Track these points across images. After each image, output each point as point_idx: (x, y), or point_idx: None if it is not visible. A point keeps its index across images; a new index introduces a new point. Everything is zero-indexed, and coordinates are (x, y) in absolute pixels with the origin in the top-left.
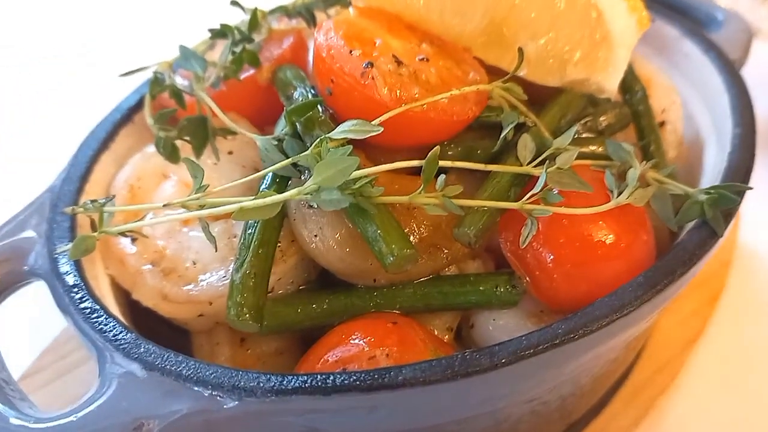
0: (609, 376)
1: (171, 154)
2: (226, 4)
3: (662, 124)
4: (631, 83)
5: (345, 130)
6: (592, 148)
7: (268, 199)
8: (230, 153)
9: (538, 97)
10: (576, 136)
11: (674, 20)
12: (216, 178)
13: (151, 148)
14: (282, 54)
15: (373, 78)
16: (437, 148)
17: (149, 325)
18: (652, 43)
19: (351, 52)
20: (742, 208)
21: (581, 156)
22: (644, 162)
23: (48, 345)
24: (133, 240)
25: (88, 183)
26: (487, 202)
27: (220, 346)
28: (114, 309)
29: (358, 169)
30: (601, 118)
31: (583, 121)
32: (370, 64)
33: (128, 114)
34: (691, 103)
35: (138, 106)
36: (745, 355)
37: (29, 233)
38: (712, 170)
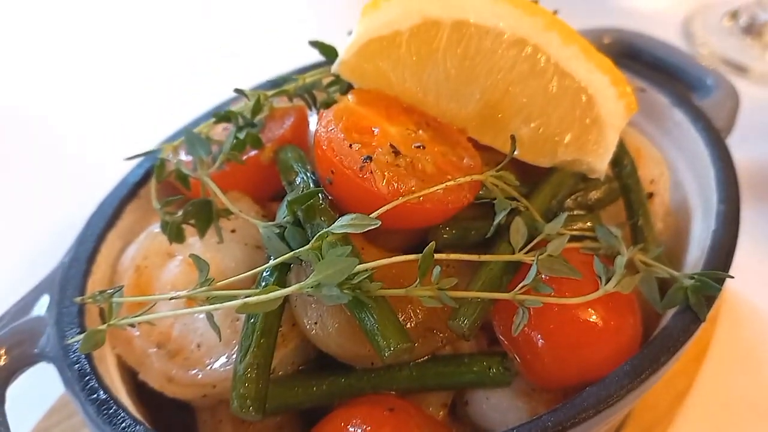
0: None
1: (176, 236)
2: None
3: (651, 195)
4: (620, 157)
5: (344, 224)
6: (582, 225)
7: (271, 294)
8: (233, 231)
9: (531, 172)
10: (567, 214)
11: (664, 87)
12: (220, 257)
13: (157, 228)
14: (283, 134)
15: (371, 172)
16: (432, 243)
17: (155, 398)
18: (644, 109)
19: (350, 145)
20: None
21: (571, 237)
22: (632, 246)
23: (54, 403)
24: (140, 323)
25: (95, 264)
26: (481, 293)
27: (223, 423)
28: (120, 387)
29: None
30: (592, 194)
31: (573, 197)
32: (369, 158)
33: (134, 189)
34: (680, 170)
35: (143, 181)
36: (733, 410)
37: (40, 314)
38: (698, 244)
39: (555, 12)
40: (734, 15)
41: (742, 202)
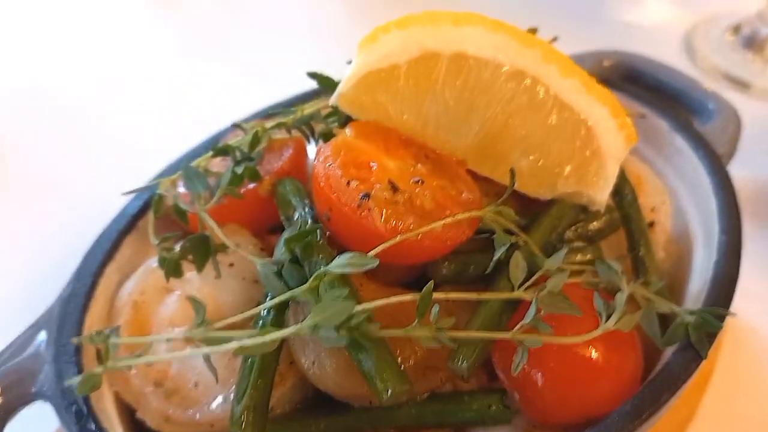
0: None
1: (174, 272)
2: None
3: (652, 224)
4: (621, 186)
5: (342, 264)
6: (583, 257)
7: (267, 337)
8: (231, 265)
9: (532, 203)
10: (566, 249)
11: (665, 111)
12: (218, 292)
13: (155, 262)
14: (282, 166)
15: (369, 209)
16: (431, 283)
17: None
18: (645, 135)
19: (348, 182)
20: None
21: (572, 271)
22: (632, 282)
23: None
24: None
25: (93, 299)
26: (480, 333)
27: None
28: (118, 425)
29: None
30: (592, 224)
31: (574, 228)
32: (367, 196)
33: (132, 221)
34: (682, 197)
35: (141, 213)
36: None
37: (38, 351)
38: (700, 274)
39: (554, 39)
40: (736, 29)
41: (744, 222)
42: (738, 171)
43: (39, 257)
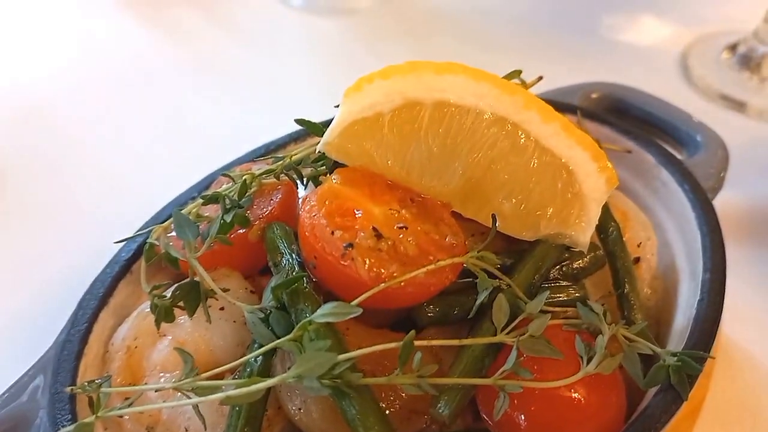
0: None
1: (165, 317)
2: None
3: (637, 260)
4: (605, 223)
5: (325, 313)
6: (566, 296)
7: (253, 387)
8: (222, 309)
9: (517, 242)
10: (550, 285)
11: (651, 145)
12: (209, 335)
13: (147, 307)
14: (271, 212)
15: (353, 259)
16: (413, 332)
17: None
18: (631, 168)
19: (332, 232)
20: (725, 304)
21: (554, 313)
22: (614, 324)
23: None
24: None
25: (87, 345)
26: (461, 380)
27: None
28: None
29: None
30: (577, 263)
31: (558, 267)
32: (350, 245)
33: (126, 266)
34: (669, 231)
35: (135, 257)
36: None
37: (34, 396)
38: (684, 312)
39: (538, 78)
40: (732, 48)
41: (740, 243)
42: (733, 191)
43: (36, 299)
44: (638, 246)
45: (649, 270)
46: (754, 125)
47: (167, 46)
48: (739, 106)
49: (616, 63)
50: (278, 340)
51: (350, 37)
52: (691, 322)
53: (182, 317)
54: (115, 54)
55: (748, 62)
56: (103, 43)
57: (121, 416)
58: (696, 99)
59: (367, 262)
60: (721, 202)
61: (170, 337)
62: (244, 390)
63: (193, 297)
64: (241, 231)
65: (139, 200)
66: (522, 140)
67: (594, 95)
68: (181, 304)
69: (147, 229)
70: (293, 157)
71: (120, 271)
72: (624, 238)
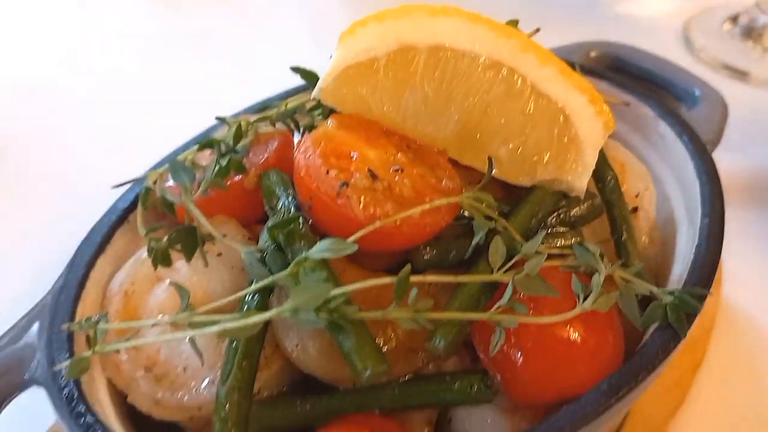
0: None
1: (162, 261)
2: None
3: (635, 210)
4: (603, 172)
5: (322, 250)
6: (563, 242)
7: (250, 320)
8: (219, 255)
9: (515, 190)
10: (548, 229)
11: (650, 99)
12: (206, 281)
13: (145, 253)
14: (267, 159)
15: (348, 197)
16: (408, 266)
17: (146, 421)
18: (629, 122)
19: (327, 171)
20: (726, 267)
21: (551, 256)
22: (612, 263)
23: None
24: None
25: (85, 289)
26: (458, 314)
27: None
28: (110, 411)
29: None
30: (574, 210)
31: (556, 214)
32: (345, 184)
33: (123, 215)
34: (667, 183)
35: (132, 206)
36: (728, 422)
37: (30, 340)
38: (683, 259)
39: (536, 30)
40: (734, 19)
41: (740, 208)
42: (736, 159)
43: (32, 253)
44: (636, 197)
45: (647, 220)
46: (757, 93)
47: (159, 12)
48: (741, 75)
49: (617, 35)
50: (275, 276)
51: None
52: (688, 266)
53: (179, 263)
54: (113, 22)
55: (750, 32)
56: (102, 15)
57: (118, 354)
58: (699, 70)
59: (362, 200)
60: (723, 168)
61: (167, 282)
62: (242, 323)
63: (191, 241)
64: (237, 179)
65: (137, 155)
66: (518, 84)
67: (593, 54)
68: (178, 248)
69: (143, 175)
70: (289, 106)
71: (117, 220)
72: (622, 189)
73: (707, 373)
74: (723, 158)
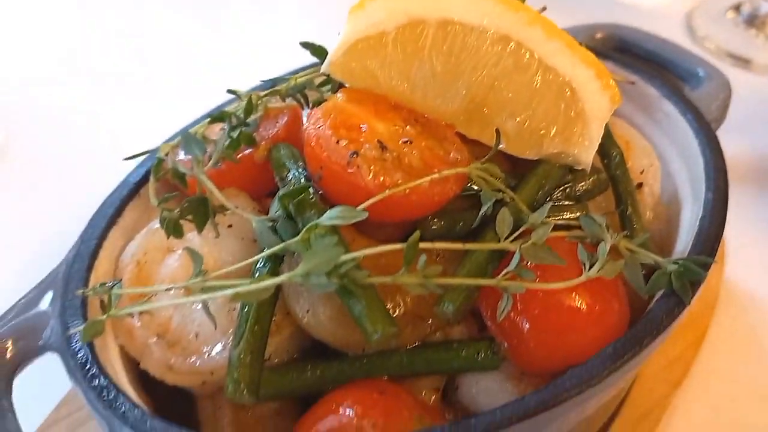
0: (589, 427)
1: (174, 231)
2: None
3: (640, 186)
4: (609, 148)
5: (332, 217)
6: (569, 215)
7: (262, 284)
8: (230, 226)
9: (520, 164)
10: (554, 203)
11: (655, 79)
12: (217, 251)
13: (157, 224)
14: (277, 133)
15: (358, 166)
16: (417, 233)
17: (157, 387)
18: (635, 102)
19: (338, 141)
20: (728, 244)
21: (557, 227)
22: (617, 233)
23: (65, 395)
24: (140, 314)
25: (98, 259)
26: (466, 280)
27: (222, 409)
28: (123, 377)
29: (347, 250)
30: (580, 185)
31: (562, 188)
32: (355, 154)
33: (135, 188)
34: (671, 161)
35: (144, 180)
36: (732, 395)
37: (44, 308)
38: (687, 232)
39: (543, 9)
40: (737, 7)
41: (746, 194)
42: (739, 145)
43: (43, 228)
44: (641, 173)
45: (652, 195)
46: (761, 80)
47: None
48: (745, 63)
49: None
50: (286, 242)
51: None
52: (692, 238)
53: (190, 234)
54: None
55: (753, 20)
56: None
57: (131, 323)
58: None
59: (372, 169)
60: (727, 153)
61: (179, 252)
62: (254, 286)
63: (202, 211)
64: (247, 152)
65: (147, 133)
66: (526, 58)
67: (599, 35)
68: (190, 219)
69: (156, 147)
70: (298, 80)
71: (128, 193)
72: (627, 166)
73: (710, 347)
74: (726, 143)
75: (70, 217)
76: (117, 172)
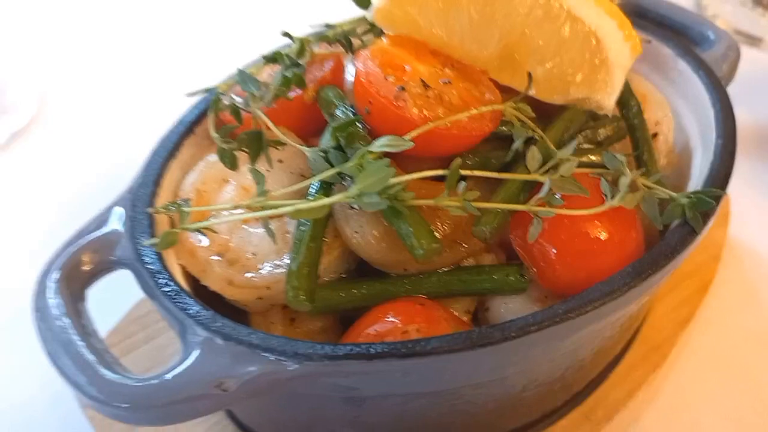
0: (606, 353)
1: (231, 162)
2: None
3: (655, 135)
4: (628, 99)
5: (382, 144)
6: (592, 157)
7: (319, 202)
8: (280, 161)
9: (546, 111)
10: (577, 146)
11: (669, 40)
12: (269, 183)
13: (213, 157)
14: (324, 76)
15: (404, 100)
16: (459, 159)
17: (213, 307)
18: (650, 61)
19: (386, 78)
20: (733, 207)
21: (582, 165)
22: (636, 170)
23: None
24: (203, 235)
25: (161, 187)
26: (501, 204)
27: (274, 325)
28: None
29: (393, 177)
30: (601, 131)
31: (584, 133)
32: (402, 88)
33: (190, 127)
34: (683, 116)
35: (198, 120)
36: (733, 337)
37: (115, 227)
38: (698, 176)
39: None
40: None
41: (753, 160)
42: (747, 117)
43: (109, 160)
44: (656, 123)
45: (666, 143)
46: None
47: None
48: (753, 41)
49: None
50: (340, 166)
51: None
52: (703, 179)
53: (244, 167)
54: None
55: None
56: None
57: (194, 243)
58: None
59: (417, 104)
60: None
61: (235, 183)
62: (312, 204)
63: (257, 144)
64: (296, 93)
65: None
66: (555, 8)
67: (617, 1)
68: (245, 149)
69: (213, 87)
70: (344, 28)
71: (185, 130)
72: (643, 114)
73: (714, 294)
74: None
75: (129, 153)
76: (171, 112)
